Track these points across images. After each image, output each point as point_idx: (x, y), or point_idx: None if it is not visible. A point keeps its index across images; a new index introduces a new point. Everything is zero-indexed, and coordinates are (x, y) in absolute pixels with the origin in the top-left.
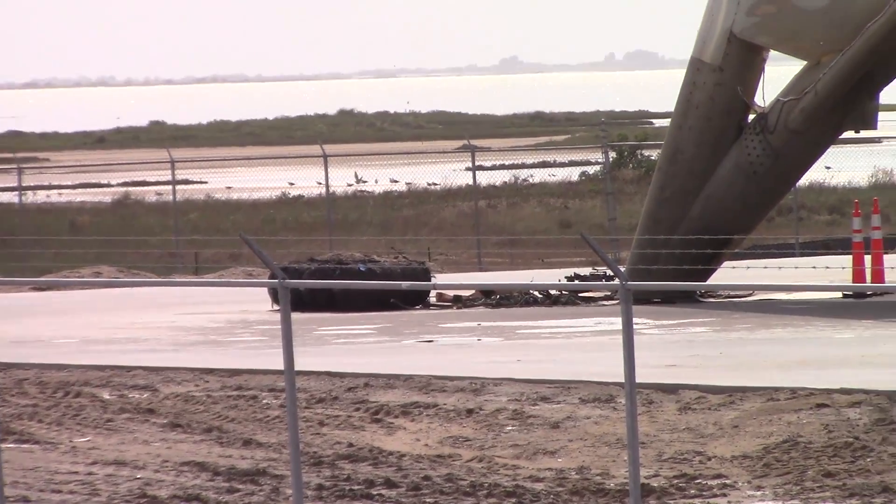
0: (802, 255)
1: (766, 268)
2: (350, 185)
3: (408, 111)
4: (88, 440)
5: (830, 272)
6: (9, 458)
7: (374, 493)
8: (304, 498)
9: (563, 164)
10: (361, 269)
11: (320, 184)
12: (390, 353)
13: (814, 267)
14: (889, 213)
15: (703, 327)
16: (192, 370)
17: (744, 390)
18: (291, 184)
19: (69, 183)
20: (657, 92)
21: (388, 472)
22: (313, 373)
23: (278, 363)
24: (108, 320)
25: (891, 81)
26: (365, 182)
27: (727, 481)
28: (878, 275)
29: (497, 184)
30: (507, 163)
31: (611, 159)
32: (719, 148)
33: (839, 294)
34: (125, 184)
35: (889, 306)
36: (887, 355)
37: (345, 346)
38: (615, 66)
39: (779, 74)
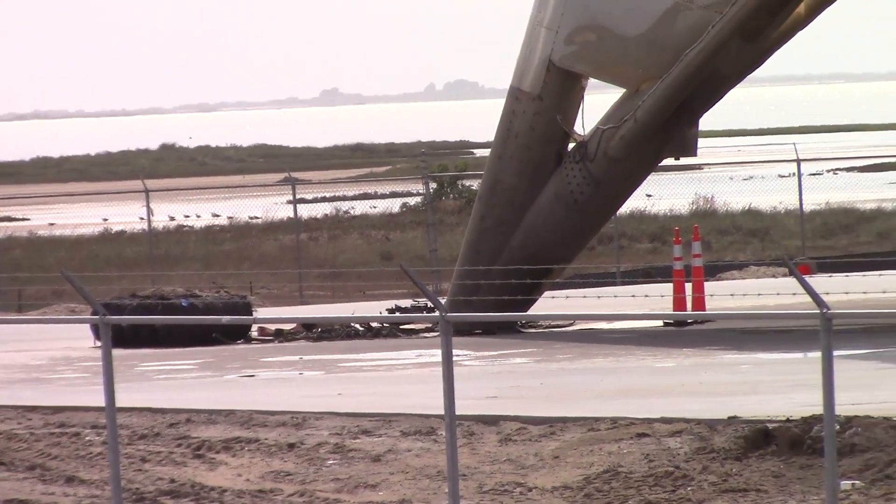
0: (623, 283)
1: (586, 297)
2: (172, 220)
3: (191, 146)
4: None
5: (651, 300)
6: None
7: None
8: None
9: (384, 196)
10: (183, 304)
11: (142, 219)
12: (212, 388)
13: (633, 295)
14: (710, 241)
15: (525, 358)
16: (15, 408)
17: (564, 421)
18: (105, 219)
19: None
20: (478, 121)
21: None
22: (135, 409)
23: (101, 400)
24: None
25: (710, 108)
26: (187, 217)
27: None
28: (699, 302)
29: (318, 216)
30: (328, 195)
31: (431, 190)
32: (539, 177)
33: (660, 322)
34: None
35: (710, 334)
36: (708, 384)
37: (167, 381)
38: (435, 96)
39: (599, 102)
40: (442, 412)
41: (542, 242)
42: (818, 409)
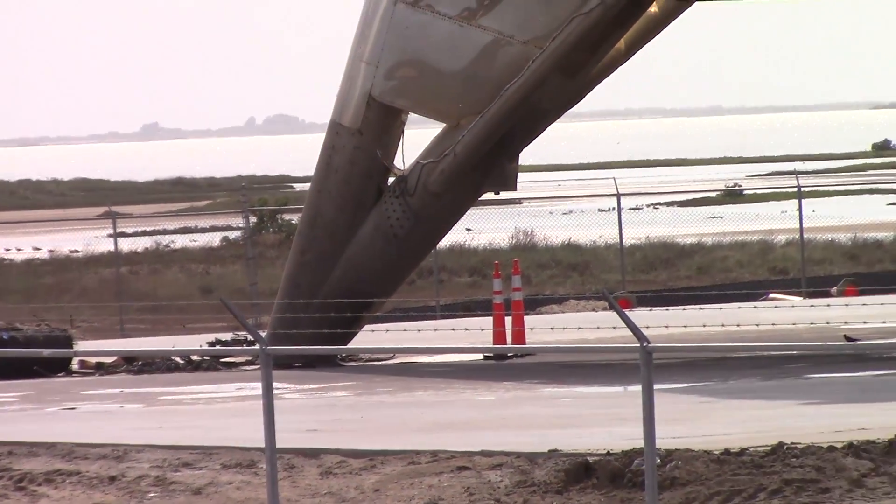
0: (443, 317)
1: (406, 331)
2: None
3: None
4: None
5: (471, 334)
6: None
7: None
8: None
9: (204, 230)
10: (4, 337)
11: None
12: (33, 421)
13: (454, 329)
14: (530, 275)
15: (345, 391)
16: None
17: (385, 454)
18: None
19: None
20: (298, 156)
21: None
22: None
23: None
24: None
25: (529, 143)
26: (8, 250)
27: None
28: (519, 336)
29: (139, 250)
30: (148, 229)
31: (251, 224)
32: (360, 211)
33: (480, 356)
34: None
35: (530, 368)
36: (528, 417)
37: None
38: (256, 130)
39: (419, 137)
40: (262, 445)
41: (362, 276)
42: (639, 443)
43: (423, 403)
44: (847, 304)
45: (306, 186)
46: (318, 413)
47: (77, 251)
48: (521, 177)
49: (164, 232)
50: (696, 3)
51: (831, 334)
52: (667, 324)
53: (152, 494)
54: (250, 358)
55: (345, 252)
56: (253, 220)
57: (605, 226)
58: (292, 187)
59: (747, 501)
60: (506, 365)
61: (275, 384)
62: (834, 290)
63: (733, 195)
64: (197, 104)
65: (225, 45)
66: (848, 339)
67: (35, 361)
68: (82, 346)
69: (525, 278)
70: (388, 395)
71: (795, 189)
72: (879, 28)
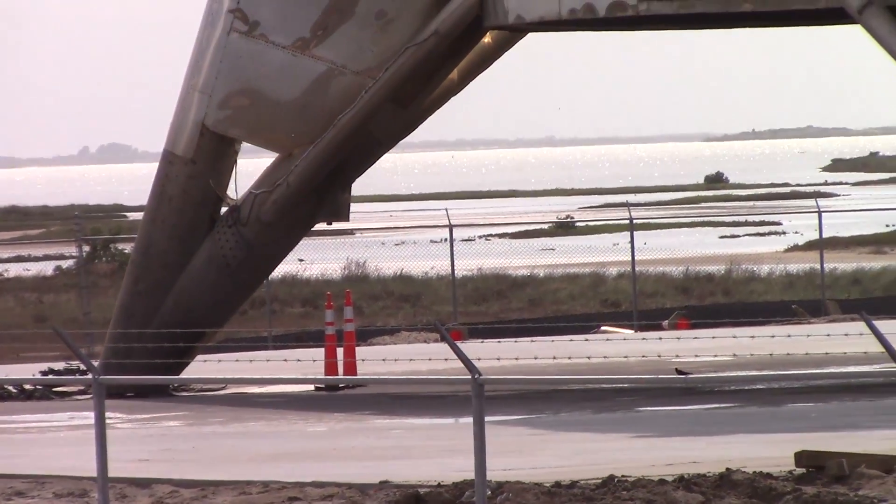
0: (275, 347)
1: (238, 361)
2: None
3: None
4: None
5: (303, 365)
6: None
7: None
8: None
9: (37, 259)
10: None
11: None
12: None
13: (286, 360)
14: (362, 306)
15: (177, 421)
16: None
17: (217, 484)
18: None
19: None
20: (132, 185)
21: None
22: None
23: None
24: None
25: (362, 173)
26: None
27: None
28: (351, 367)
29: None
30: None
31: (85, 253)
32: (193, 241)
33: (312, 387)
34: None
35: (362, 399)
36: (359, 448)
37: None
38: (89, 159)
39: (253, 166)
40: (95, 474)
41: (194, 306)
42: (470, 475)
43: (254, 434)
44: (679, 338)
45: (140, 216)
46: (150, 443)
47: None
48: (354, 207)
49: None
50: (530, 33)
51: (663, 367)
52: (498, 356)
53: None
54: (83, 387)
55: (178, 282)
56: (86, 249)
57: (438, 257)
58: (126, 216)
59: None
60: (337, 396)
61: (107, 413)
62: (666, 323)
63: (565, 227)
64: (29, 132)
65: (57, 72)
66: (679, 372)
67: None
68: None
69: (357, 309)
70: (219, 426)
71: (627, 221)
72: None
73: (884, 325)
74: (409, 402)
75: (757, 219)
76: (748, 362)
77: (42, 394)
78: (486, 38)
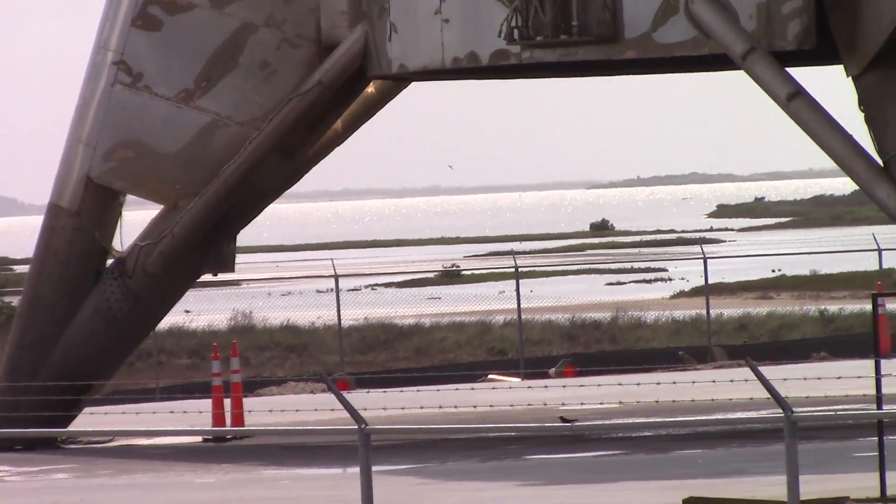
0: (162, 399)
1: (125, 413)
2: None
3: None
4: None
5: (190, 416)
6: None
7: None
8: None
9: None
10: None
11: None
12: None
13: (172, 411)
14: (249, 356)
15: (65, 474)
16: None
17: None
18: None
19: None
20: (17, 237)
21: None
22: None
23: None
24: None
25: (247, 224)
26: None
27: None
28: (238, 418)
29: None
30: None
31: None
32: (79, 293)
33: (200, 438)
34: None
35: (250, 449)
36: (248, 499)
37: None
38: None
39: (139, 218)
40: None
41: (81, 358)
42: None
43: (143, 486)
44: (565, 385)
45: (26, 268)
46: (38, 496)
47: None
48: (240, 258)
49: None
50: (413, 83)
51: (549, 415)
52: (385, 405)
53: None
54: None
55: (65, 334)
56: None
57: (324, 307)
58: (12, 269)
59: None
60: (225, 447)
61: None
62: (552, 370)
63: (451, 275)
64: None
65: None
66: (564, 420)
67: None
68: None
69: (244, 360)
70: (108, 478)
71: (513, 269)
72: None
73: (769, 371)
74: (297, 452)
75: (643, 265)
76: (634, 409)
77: None
78: (370, 88)
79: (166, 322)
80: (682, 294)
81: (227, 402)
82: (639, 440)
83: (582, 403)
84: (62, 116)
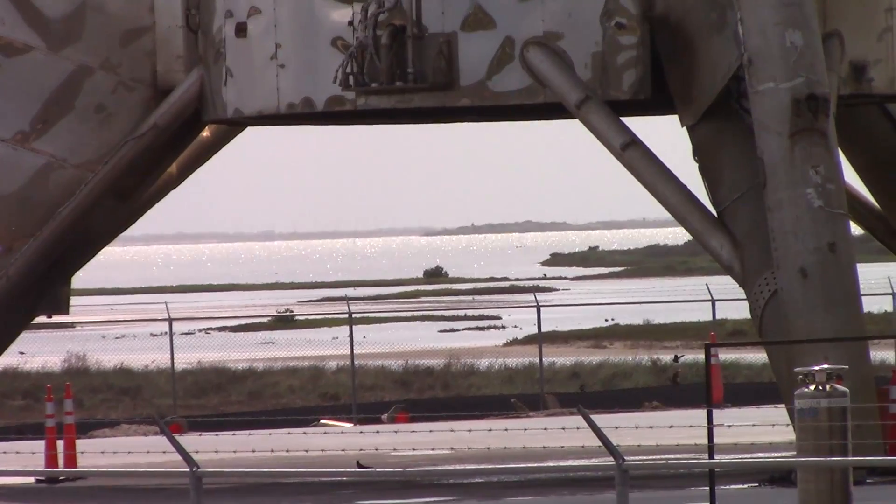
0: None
1: None
2: None
3: None
4: None
5: (23, 457)
6: None
7: None
8: None
9: None
10: None
11: None
12: None
13: (5, 452)
14: (82, 398)
15: None
16: None
17: None
18: None
19: None
20: None
21: None
22: None
23: None
24: None
25: (82, 266)
26: None
27: None
28: (71, 459)
29: None
30: None
31: None
32: None
33: (32, 479)
34: None
35: (81, 491)
36: None
37: None
38: None
39: None
40: None
41: None
42: None
43: None
44: (396, 431)
45: None
46: None
47: None
48: (74, 300)
49: None
50: (248, 127)
51: (381, 461)
52: (217, 448)
53: None
54: None
55: None
56: None
57: (158, 350)
58: None
59: None
60: (57, 489)
61: None
62: (385, 416)
63: (285, 320)
64: None
65: None
66: (360, 465)
67: None
68: None
69: (77, 402)
70: None
71: (346, 315)
72: (430, 155)
73: (601, 419)
74: (129, 494)
75: (476, 313)
76: (466, 455)
77: None
78: (206, 132)
79: (0, 363)
80: (515, 342)
81: (60, 443)
82: (470, 487)
83: (413, 449)
84: None
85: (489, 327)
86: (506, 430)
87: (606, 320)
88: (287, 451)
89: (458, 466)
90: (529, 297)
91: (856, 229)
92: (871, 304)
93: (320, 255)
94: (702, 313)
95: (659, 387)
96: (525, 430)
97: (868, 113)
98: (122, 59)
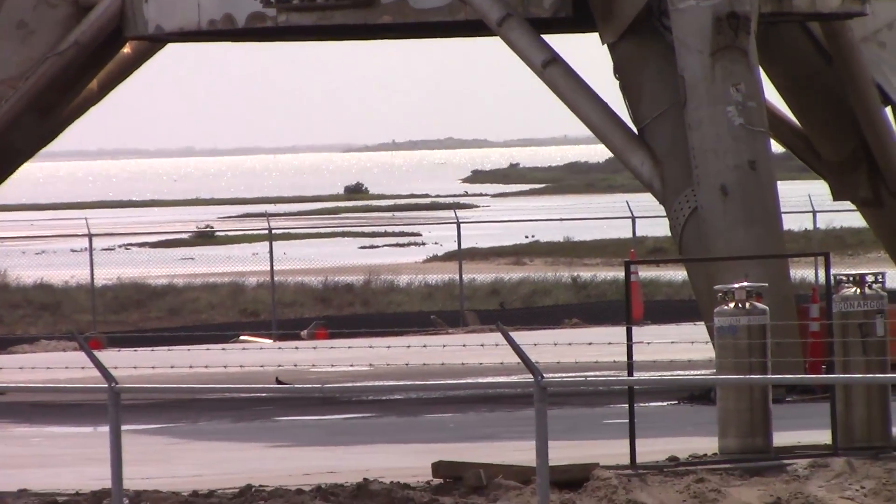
0: None
1: None
2: None
3: None
4: None
5: None
6: None
7: None
8: None
9: None
10: None
11: None
12: None
13: None
14: (1, 314)
15: None
16: None
17: None
18: None
19: None
20: None
21: None
22: None
23: None
24: None
25: (2, 182)
26: None
27: None
28: None
29: None
30: None
31: None
32: None
33: None
34: None
35: (1, 407)
36: None
37: None
38: None
39: None
40: None
41: None
42: (108, 483)
43: None
44: (315, 347)
45: None
46: None
47: None
48: None
49: None
50: (169, 44)
51: (300, 377)
52: (136, 365)
53: None
54: None
55: None
56: None
57: (78, 266)
58: None
59: None
60: None
61: None
62: (304, 332)
63: (205, 237)
64: None
65: None
66: (279, 382)
67: None
68: None
69: None
70: None
71: (266, 231)
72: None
73: (521, 336)
74: (49, 410)
75: (397, 229)
76: (385, 372)
77: None
78: (126, 49)
79: None
80: (435, 259)
81: None
82: (390, 403)
83: (332, 366)
84: None
85: (409, 244)
86: (425, 346)
87: (526, 237)
88: (206, 367)
89: (376, 383)
90: (450, 213)
91: (776, 147)
92: (791, 222)
93: (240, 170)
94: (622, 231)
95: (578, 304)
96: (444, 346)
97: (789, 31)
98: None
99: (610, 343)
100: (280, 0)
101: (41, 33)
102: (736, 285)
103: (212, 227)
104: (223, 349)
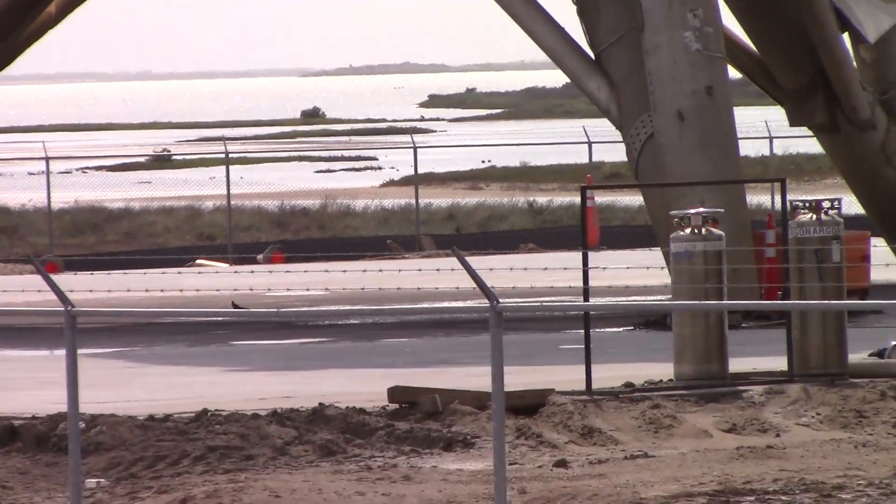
0: None
1: None
2: None
3: None
4: None
5: None
6: None
7: None
8: None
9: None
10: None
11: None
12: None
13: None
14: None
15: None
16: None
17: None
18: None
19: None
20: None
21: None
22: None
23: None
24: None
25: None
26: None
27: None
28: None
29: None
30: None
31: None
32: None
33: None
34: None
35: None
36: None
37: None
38: None
39: None
40: None
41: None
42: (64, 407)
43: None
44: (271, 271)
45: None
46: None
47: None
48: None
49: None
50: None
51: (256, 301)
52: (92, 288)
53: None
54: None
55: None
56: None
57: (35, 189)
58: None
59: (171, 467)
60: None
61: None
62: (261, 256)
63: (162, 161)
64: None
65: None
66: (235, 305)
67: None
68: None
69: None
70: None
71: (223, 155)
72: None
73: (477, 261)
74: (4, 333)
75: (353, 154)
76: (341, 297)
77: None
78: None
79: None
80: (391, 183)
81: None
82: (345, 328)
83: (288, 290)
84: None
85: (366, 168)
86: (381, 271)
87: (483, 162)
88: (162, 290)
89: (332, 307)
90: (406, 138)
91: (733, 73)
92: (747, 148)
93: (198, 94)
94: (579, 156)
95: (535, 229)
96: (400, 271)
97: None
98: None
99: (566, 268)
100: None
101: None
102: (692, 211)
103: (169, 151)
104: (179, 273)
